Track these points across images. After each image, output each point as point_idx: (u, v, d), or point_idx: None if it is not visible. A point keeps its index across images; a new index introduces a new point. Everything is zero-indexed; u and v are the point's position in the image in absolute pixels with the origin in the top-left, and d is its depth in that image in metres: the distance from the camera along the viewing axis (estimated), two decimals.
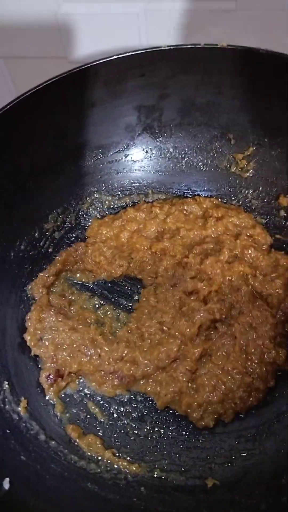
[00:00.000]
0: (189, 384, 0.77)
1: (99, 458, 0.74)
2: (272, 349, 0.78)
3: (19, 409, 0.76)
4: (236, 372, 0.76)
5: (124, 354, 0.79)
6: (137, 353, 0.79)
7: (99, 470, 0.73)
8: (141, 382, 0.79)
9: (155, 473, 0.73)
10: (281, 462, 0.71)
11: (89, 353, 0.80)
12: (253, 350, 0.78)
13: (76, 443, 0.75)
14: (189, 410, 0.76)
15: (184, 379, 0.77)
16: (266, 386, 0.77)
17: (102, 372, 0.80)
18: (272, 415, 0.76)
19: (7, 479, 0.63)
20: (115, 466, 0.73)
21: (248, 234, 0.89)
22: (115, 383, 0.79)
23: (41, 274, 0.89)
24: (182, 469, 0.73)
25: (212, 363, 0.78)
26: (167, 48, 0.83)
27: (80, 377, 0.82)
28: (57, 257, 0.91)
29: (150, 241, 0.91)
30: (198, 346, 0.78)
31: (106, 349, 0.80)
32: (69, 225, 0.95)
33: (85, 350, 0.80)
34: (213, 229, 0.90)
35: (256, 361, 0.77)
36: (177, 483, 0.72)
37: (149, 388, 0.79)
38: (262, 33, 0.98)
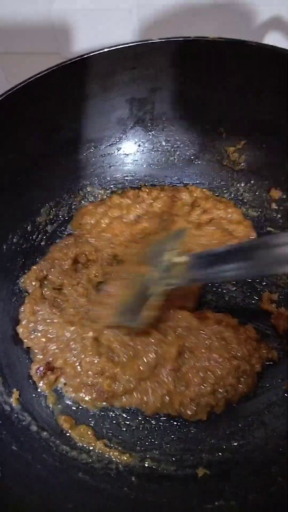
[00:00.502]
0: (176, 383, 0.76)
1: (91, 448, 0.74)
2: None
3: (11, 400, 0.77)
4: (222, 359, 0.76)
5: (105, 369, 0.78)
6: (118, 369, 0.77)
7: (90, 460, 0.73)
8: (123, 398, 0.77)
9: (146, 462, 0.73)
10: (270, 452, 0.72)
11: (75, 352, 0.80)
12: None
13: (68, 434, 0.76)
14: (182, 408, 0.75)
15: (170, 379, 0.76)
16: (253, 370, 0.77)
17: (79, 380, 0.79)
18: (263, 405, 0.77)
19: None
20: (106, 456, 0.74)
21: (230, 229, 0.89)
22: (93, 396, 0.78)
23: (34, 267, 0.89)
24: (173, 458, 0.73)
25: (195, 357, 0.77)
26: (158, 40, 0.83)
27: None
28: (49, 253, 0.91)
29: (129, 225, 0.92)
30: (172, 344, 0.78)
31: (87, 360, 0.78)
32: (62, 219, 0.95)
33: (73, 346, 0.80)
34: (197, 217, 0.90)
35: (236, 345, 0.78)
36: (167, 472, 0.72)
37: (134, 401, 0.77)
38: (254, 28, 0.98)
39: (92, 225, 0.93)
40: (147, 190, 0.95)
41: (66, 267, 0.89)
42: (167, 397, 0.76)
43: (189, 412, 0.75)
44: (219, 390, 0.75)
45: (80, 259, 0.90)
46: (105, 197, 0.99)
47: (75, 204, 0.97)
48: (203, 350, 0.77)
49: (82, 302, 0.85)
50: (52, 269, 0.88)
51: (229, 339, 0.78)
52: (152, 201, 0.93)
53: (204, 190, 0.95)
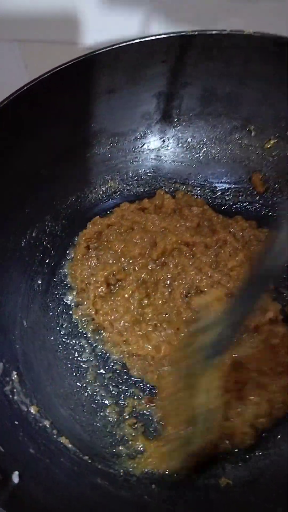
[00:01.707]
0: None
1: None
2: None
3: (28, 401, 0.74)
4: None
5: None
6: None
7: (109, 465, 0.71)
8: None
9: (167, 470, 0.71)
10: None
11: None
12: None
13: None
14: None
15: None
16: None
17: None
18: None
19: (17, 473, 0.61)
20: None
21: None
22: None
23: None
24: (194, 467, 0.71)
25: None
26: (190, 33, 0.81)
27: None
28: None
29: None
30: None
31: None
32: (82, 213, 0.93)
33: None
34: None
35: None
36: (189, 481, 0.70)
37: None
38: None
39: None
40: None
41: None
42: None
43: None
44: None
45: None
46: (126, 193, 0.96)
47: (96, 199, 0.95)
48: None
49: None
50: None
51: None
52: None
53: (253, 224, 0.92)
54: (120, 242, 0.87)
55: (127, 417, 0.77)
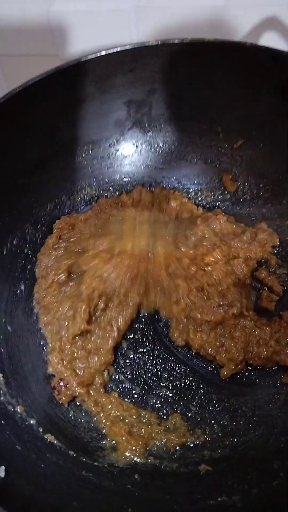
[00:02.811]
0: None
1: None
2: None
3: (14, 401, 0.77)
4: None
5: None
6: None
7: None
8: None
9: (149, 460, 0.74)
10: (272, 448, 0.73)
11: None
12: None
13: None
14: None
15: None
16: None
17: None
18: (263, 402, 0.78)
19: (3, 467, 0.64)
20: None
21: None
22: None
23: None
24: (175, 456, 0.74)
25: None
26: (154, 43, 0.84)
27: None
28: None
29: None
30: None
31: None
32: None
33: None
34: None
35: None
36: (170, 470, 0.73)
37: None
38: (251, 29, 0.99)
39: None
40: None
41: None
42: None
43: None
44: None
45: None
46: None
47: (74, 206, 0.98)
48: None
49: None
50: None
51: None
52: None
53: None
54: (91, 234, 0.90)
55: None
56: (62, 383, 0.80)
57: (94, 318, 0.84)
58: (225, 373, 0.80)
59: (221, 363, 0.80)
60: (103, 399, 0.80)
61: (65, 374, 0.80)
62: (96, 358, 0.82)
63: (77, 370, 0.81)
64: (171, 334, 0.85)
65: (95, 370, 0.81)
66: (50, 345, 0.84)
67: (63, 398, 0.79)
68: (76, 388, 0.79)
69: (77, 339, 0.83)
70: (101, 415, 0.79)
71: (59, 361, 0.81)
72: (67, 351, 0.82)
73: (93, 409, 0.79)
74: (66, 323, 0.83)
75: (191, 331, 0.82)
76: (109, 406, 0.79)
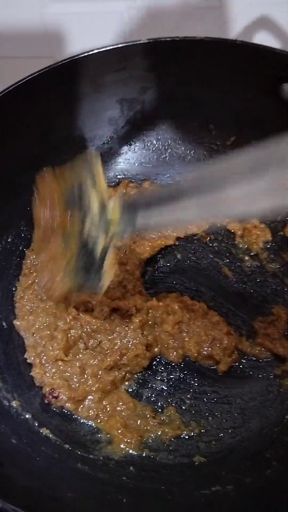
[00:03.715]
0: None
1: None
2: None
3: (9, 395, 0.78)
4: None
5: None
6: None
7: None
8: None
9: (144, 452, 0.74)
10: (265, 438, 0.73)
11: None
12: None
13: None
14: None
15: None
16: None
17: None
18: (256, 393, 0.79)
19: None
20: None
21: None
22: None
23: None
24: (170, 448, 0.75)
25: None
26: (146, 41, 0.85)
27: None
28: None
29: None
30: None
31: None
32: None
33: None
34: None
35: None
36: (165, 461, 0.73)
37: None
38: (242, 28, 1.01)
39: None
40: None
41: None
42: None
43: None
44: None
45: None
46: None
47: None
48: None
49: None
50: None
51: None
52: None
53: None
54: None
55: None
56: (54, 393, 0.78)
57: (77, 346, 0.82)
58: (222, 368, 0.81)
59: (218, 358, 0.81)
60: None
61: (56, 385, 0.78)
62: (92, 382, 0.79)
63: (71, 383, 0.79)
64: (165, 355, 0.84)
65: (92, 391, 0.79)
66: (29, 358, 0.82)
67: (55, 406, 0.78)
68: (67, 404, 0.78)
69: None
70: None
71: (43, 375, 0.79)
72: (51, 368, 0.80)
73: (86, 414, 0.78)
74: (43, 342, 0.82)
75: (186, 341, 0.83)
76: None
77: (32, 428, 0.75)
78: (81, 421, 0.78)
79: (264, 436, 0.73)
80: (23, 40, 1.07)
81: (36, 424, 0.76)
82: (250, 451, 0.72)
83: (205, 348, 0.82)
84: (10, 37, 1.07)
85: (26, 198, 0.92)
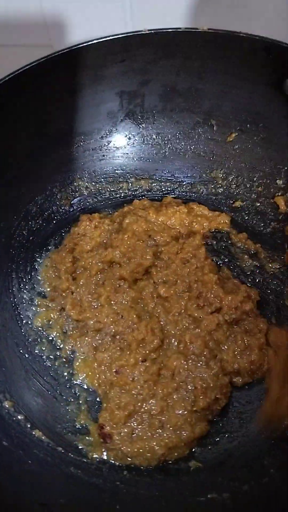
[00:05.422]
0: None
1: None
2: None
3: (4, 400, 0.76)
4: None
5: None
6: None
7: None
8: None
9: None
10: (262, 445, 0.72)
11: None
12: None
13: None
14: None
15: None
16: None
17: None
18: (254, 398, 0.77)
19: None
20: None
21: None
22: None
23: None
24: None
25: None
26: (147, 32, 0.83)
27: None
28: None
29: None
30: None
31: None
32: (51, 213, 0.95)
33: None
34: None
35: None
36: (160, 466, 0.72)
37: None
38: (246, 20, 0.98)
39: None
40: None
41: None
42: None
43: None
44: None
45: None
46: (95, 190, 0.98)
47: (64, 198, 0.96)
48: None
49: None
50: None
51: None
52: None
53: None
54: None
55: None
56: (107, 437, 0.73)
57: None
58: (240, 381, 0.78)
59: (243, 369, 0.77)
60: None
61: (117, 431, 0.73)
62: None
63: (133, 435, 0.73)
64: None
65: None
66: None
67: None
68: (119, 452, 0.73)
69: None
70: None
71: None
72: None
73: None
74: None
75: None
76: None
77: (25, 430, 0.73)
78: (74, 422, 0.77)
79: (262, 442, 0.72)
80: (22, 27, 1.04)
81: (29, 426, 0.74)
82: (247, 458, 0.70)
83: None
84: (9, 25, 1.03)
85: (20, 191, 0.91)
